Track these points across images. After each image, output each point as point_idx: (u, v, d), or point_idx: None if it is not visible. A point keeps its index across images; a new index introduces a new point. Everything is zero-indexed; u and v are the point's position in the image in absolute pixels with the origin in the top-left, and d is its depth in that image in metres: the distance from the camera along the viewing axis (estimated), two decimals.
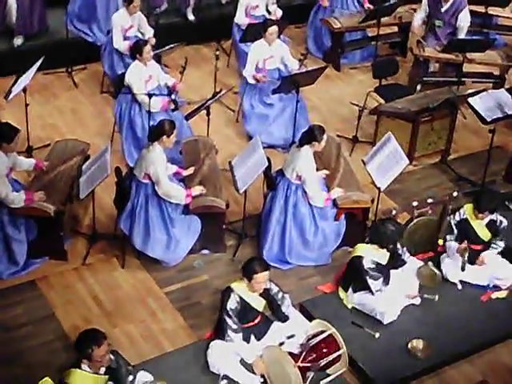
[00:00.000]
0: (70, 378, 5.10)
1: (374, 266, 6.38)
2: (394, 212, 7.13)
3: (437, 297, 6.41)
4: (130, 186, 6.93)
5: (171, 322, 6.56)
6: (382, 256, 6.46)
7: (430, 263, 6.65)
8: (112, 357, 5.28)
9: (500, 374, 6.26)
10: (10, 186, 6.62)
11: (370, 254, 6.41)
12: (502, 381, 6.20)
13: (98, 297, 6.74)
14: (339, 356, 5.82)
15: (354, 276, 6.48)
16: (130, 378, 5.43)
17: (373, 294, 6.37)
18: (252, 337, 5.95)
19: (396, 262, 6.57)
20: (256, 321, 5.96)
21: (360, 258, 6.39)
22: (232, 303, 5.79)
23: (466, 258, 6.66)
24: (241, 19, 9.63)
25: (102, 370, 5.22)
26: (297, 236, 7.11)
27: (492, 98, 8.13)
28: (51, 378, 5.58)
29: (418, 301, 6.57)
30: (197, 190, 7.00)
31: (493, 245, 6.87)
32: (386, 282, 6.46)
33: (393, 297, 6.44)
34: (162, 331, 6.47)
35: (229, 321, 5.79)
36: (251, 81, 8.59)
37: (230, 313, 5.78)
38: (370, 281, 6.33)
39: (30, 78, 7.93)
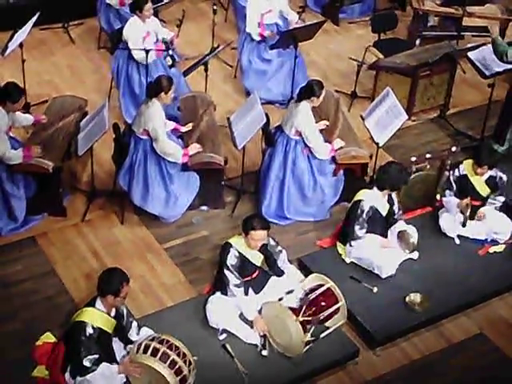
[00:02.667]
0: (84, 315, 5.17)
1: (370, 211, 6.40)
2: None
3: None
4: (129, 142, 6.92)
5: (170, 277, 6.61)
6: (382, 206, 6.48)
7: (408, 229, 6.51)
8: (124, 310, 5.42)
9: (496, 327, 6.33)
10: (9, 143, 6.61)
11: (371, 199, 6.43)
12: (499, 333, 6.27)
13: (97, 252, 6.77)
14: (338, 309, 5.87)
15: (348, 221, 6.50)
16: (134, 331, 5.51)
17: (354, 238, 6.39)
18: (250, 290, 5.99)
19: (390, 218, 6.58)
20: (254, 275, 6.00)
21: (360, 201, 6.42)
22: (231, 259, 5.82)
23: (468, 214, 6.67)
24: None
25: (113, 312, 5.30)
26: (295, 191, 7.12)
27: (491, 52, 8.05)
28: (52, 333, 5.66)
29: (415, 255, 6.60)
30: (193, 148, 6.98)
31: (491, 200, 6.88)
32: (381, 233, 6.49)
33: (390, 251, 6.47)
34: (162, 286, 6.52)
35: (230, 276, 5.82)
36: (257, 38, 8.49)
37: (231, 268, 5.81)
38: (356, 224, 6.35)
39: (27, 33, 7.86)
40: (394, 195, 6.59)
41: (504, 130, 7.87)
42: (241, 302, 5.85)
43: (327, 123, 7.43)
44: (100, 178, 7.41)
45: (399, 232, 6.51)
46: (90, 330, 5.12)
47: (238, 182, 7.44)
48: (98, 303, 5.22)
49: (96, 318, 5.18)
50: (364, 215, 6.40)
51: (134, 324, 5.52)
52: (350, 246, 6.50)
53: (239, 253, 5.84)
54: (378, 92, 8.15)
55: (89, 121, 7.04)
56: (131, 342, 5.47)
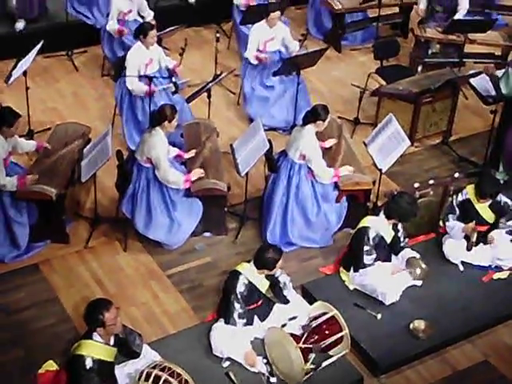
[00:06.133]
0: (82, 348, 5.12)
1: (377, 238, 6.39)
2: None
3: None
4: (132, 169, 6.94)
5: (174, 304, 6.58)
6: (388, 233, 6.47)
7: (417, 255, 6.54)
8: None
9: (501, 354, 6.28)
10: (4, 170, 6.61)
11: (377, 226, 6.42)
12: (504, 360, 6.22)
13: (100, 280, 6.76)
14: (341, 337, 5.84)
15: (353, 248, 6.48)
16: (138, 342, 5.47)
17: (363, 267, 6.36)
18: (256, 318, 5.97)
19: (395, 245, 6.57)
20: (259, 302, 5.99)
21: (366, 228, 6.41)
22: (241, 287, 5.82)
23: (474, 240, 6.65)
24: None
25: (112, 340, 5.26)
26: (299, 216, 7.11)
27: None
28: (54, 361, 5.64)
29: (419, 282, 6.57)
30: (196, 173, 6.99)
31: (501, 225, 6.86)
32: (385, 260, 6.47)
33: (394, 278, 6.45)
34: (165, 313, 6.49)
35: (236, 305, 5.81)
36: (254, 61, 8.55)
37: (239, 296, 5.81)
38: (364, 251, 6.33)
39: (31, 61, 7.91)
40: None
41: (499, 155, 7.90)
42: (237, 332, 5.82)
43: (335, 141, 7.47)
44: (103, 205, 7.41)
45: (409, 259, 6.49)
46: (89, 364, 5.07)
47: (241, 208, 7.44)
48: (95, 335, 5.17)
49: (94, 350, 5.13)
50: (371, 242, 6.38)
51: (138, 342, 5.48)
52: (359, 273, 6.45)
53: (248, 281, 5.84)
54: (380, 118, 8.17)
55: (92, 148, 7.06)
56: (137, 354, 5.46)
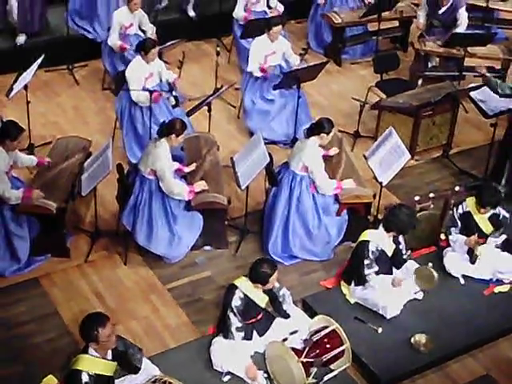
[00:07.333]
0: (79, 363, 5.08)
1: (377, 252, 6.38)
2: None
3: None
4: (134, 182, 6.94)
5: (174, 318, 6.56)
6: (389, 246, 6.47)
7: (429, 264, 6.54)
8: (120, 344, 5.33)
9: (503, 368, 6.26)
10: (9, 183, 6.63)
11: (377, 240, 6.42)
12: (505, 374, 6.20)
13: (100, 294, 6.74)
14: (342, 351, 5.82)
15: (354, 263, 6.47)
16: (138, 356, 5.45)
17: (365, 281, 6.36)
18: (254, 333, 5.95)
19: (397, 258, 6.57)
20: (258, 317, 5.97)
21: (366, 242, 6.40)
22: (236, 301, 5.80)
23: (478, 252, 6.66)
24: (239, 14, 9.64)
25: (109, 354, 5.23)
26: (300, 227, 7.10)
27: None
28: (54, 375, 5.61)
29: (420, 295, 6.56)
30: (199, 185, 7.00)
31: (492, 237, 6.86)
32: (387, 273, 6.46)
33: (395, 291, 6.44)
34: (165, 327, 6.47)
35: (233, 319, 5.80)
36: (258, 74, 8.56)
37: (235, 310, 5.79)
38: (365, 265, 6.33)
39: (32, 75, 7.93)
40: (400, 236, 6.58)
41: (502, 168, 7.89)
42: (237, 347, 5.80)
43: (338, 150, 7.50)
44: (103, 219, 7.41)
45: (417, 269, 6.48)
46: (85, 379, 5.03)
47: (241, 221, 7.44)
48: (91, 349, 5.13)
49: (91, 364, 5.09)
50: (371, 255, 6.38)
51: (138, 356, 5.45)
52: (360, 287, 6.45)
53: (244, 295, 5.82)
54: (380, 132, 8.18)
55: (93, 161, 7.07)
56: (138, 369, 5.45)
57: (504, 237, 6.91)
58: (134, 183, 6.94)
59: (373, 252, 6.39)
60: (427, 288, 6.51)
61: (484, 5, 10.38)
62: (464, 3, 9.64)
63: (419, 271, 6.50)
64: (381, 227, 6.47)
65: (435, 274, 6.45)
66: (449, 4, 9.53)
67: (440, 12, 9.61)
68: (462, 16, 9.57)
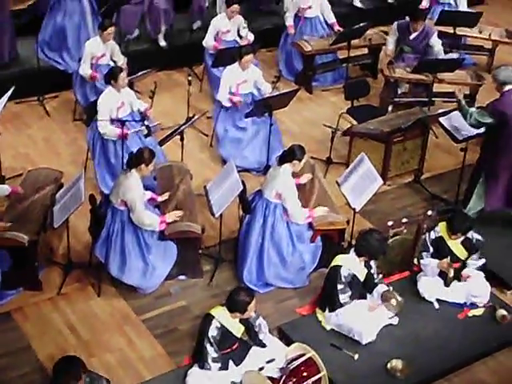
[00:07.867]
0: None
1: (349, 277, 6.40)
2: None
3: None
4: (106, 213, 6.90)
5: (149, 349, 6.50)
6: (360, 271, 6.48)
7: (390, 288, 6.59)
8: (87, 379, 5.24)
9: None
10: None
11: (349, 264, 6.43)
12: None
13: (74, 326, 6.67)
14: (319, 379, 5.80)
15: (327, 288, 6.47)
16: None
17: (340, 306, 6.35)
18: (231, 362, 5.91)
19: (368, 282, 6.58)
20: (234, 347, 5.94)
21: (338, 266, 6.42)
22: (213, 331, 5.78)
23: (452, 275, 6.70)
24: (208, 43, 9.67)
25: None
26: (275, 255, 7.08)
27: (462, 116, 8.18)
28: None
29: (395, 321, 6.57)
30: (171, 215, 6.97)
31: (472, 261, 6.90)
32: (360, 298, 6.46)
33: (370, 317, 6.44)
34: (140, 359, 6.41)
35: (210, 349, 5.77)
36: (227, 104, 8.60)
37: (212, 340, 5.76)
38: (339, 290, 6.33)
39: (2, 107, 7.88)
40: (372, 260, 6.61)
41: (470, 194, 7.91)
42: (213, 377, 5.76)
43: (310, 176, 7.52)
44: (76, 251, 7.35)
45: (383, 292, 6.50)
46: None
47: (215, 250, 7.41)
48: None
49: None
50: (343, 280, 6.39)
51: None
52: (334, 313, 6.44)
53: (221, 324, 5.79)
54: (352, 158, 8.22)
55: (64, 193, 7.03)
56: None
57: (483, 260, 6.94)
58: (107, 214, 6.90)
59: (345, 277, 6.40)
60: (397, 311, 6.51)
61: (452, 31, 10.52)
62: (435, 30, 9.79)
63: (385, 296, 6.52)
64: (352, 252, 6.50)
65: (398, 297, 6.48)
66: (420, 29, 9.65)
67: (411, 38, 9.72)
68: (436, 43, 9.68)
